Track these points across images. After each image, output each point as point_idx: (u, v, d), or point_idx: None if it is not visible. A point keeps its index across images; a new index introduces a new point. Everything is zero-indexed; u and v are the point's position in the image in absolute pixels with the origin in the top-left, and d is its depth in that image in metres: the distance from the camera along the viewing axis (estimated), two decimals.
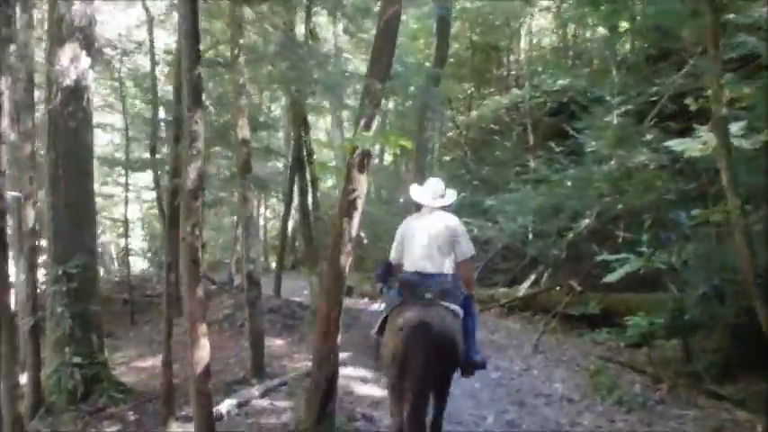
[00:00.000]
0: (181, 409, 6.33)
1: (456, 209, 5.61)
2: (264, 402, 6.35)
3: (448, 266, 4.60)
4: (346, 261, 5.38)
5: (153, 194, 16.39)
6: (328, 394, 5.34)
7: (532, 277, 12.44)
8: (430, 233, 4.63)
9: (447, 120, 17.76)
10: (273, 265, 27.93)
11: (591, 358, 7.98)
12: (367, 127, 5.42)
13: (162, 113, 14.65)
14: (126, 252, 16.60)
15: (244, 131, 7.14)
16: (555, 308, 10.33)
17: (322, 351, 5.36)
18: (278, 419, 5.87)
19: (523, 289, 12.10)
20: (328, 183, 23.57)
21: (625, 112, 11.80)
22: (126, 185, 15.86)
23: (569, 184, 11.51)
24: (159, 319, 12.36)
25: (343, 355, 7.62)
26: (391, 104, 21.90)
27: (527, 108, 16.61)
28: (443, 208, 4.90)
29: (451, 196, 5.02)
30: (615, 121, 11.71)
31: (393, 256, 4.93)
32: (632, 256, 7.00)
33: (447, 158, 19.40)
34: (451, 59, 18.03)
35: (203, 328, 4.65)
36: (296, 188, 11.70)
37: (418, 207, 5.07)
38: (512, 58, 20.24)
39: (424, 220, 4.82)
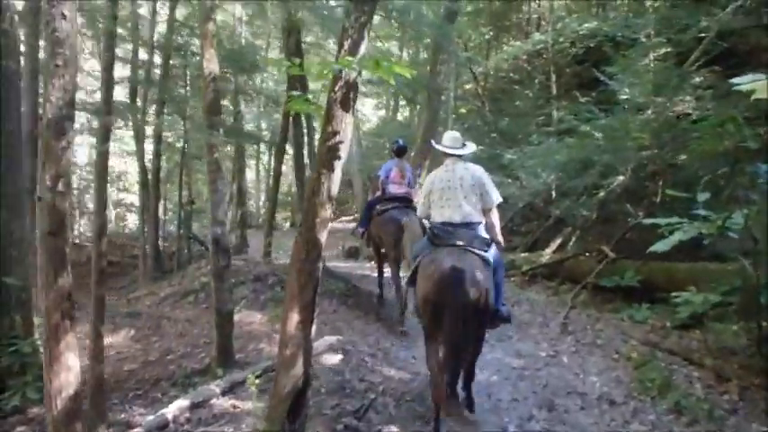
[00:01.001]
0: (123, 406, 5.07)
1: (472, 162, 5.21)
2: (226, 403, 5.04)
3: (476, 215, 4.71)
4: (323, 226, 4.05)
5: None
6: (298, 403, 4.04)
7: (558, 241, 11.06)
8: (457, 184, 4.74)
9: (463, 66, 16.11)
10: (286, 224, 26.93)
11: (632, 343, 6.62)
12: (353, 50, 4.03)
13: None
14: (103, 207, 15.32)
15: (212, 65, 5.73)
16: (585, 277, 8.97)
17: (290, 344, 4.04)
18: (237, 430, 4.56)
19: (547, 254, 10.71)
20: None
21: (664, 55, 10.35)
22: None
23: (600, 135, 10.04)
24: (135, 285, 11.38)
25: (331, 339, 6.35)
26: (396, 48, 20.40)
27: (550, 54, 14.99)
28: (466, 158, 5.01)
29: (471, 146, 5.09)
30: (652, 65, 10.29)
31: (421, 209, 5.08)
32: (686, 221, 5.58)
33: (463, 110, 17.88)
34: (468, 7, 16.53)
35: (70, 338, 3.24)
36: (290, 137, 10.35)
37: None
38: (533, 3, 18.49)
39: (449, 171, 4.87)
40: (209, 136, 5.60)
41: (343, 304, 8.10)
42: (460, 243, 4.47)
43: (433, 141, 5.43)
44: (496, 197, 4.84)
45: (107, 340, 6.57)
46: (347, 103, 4.00)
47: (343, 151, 4.03)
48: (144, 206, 12.58)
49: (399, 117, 25.45)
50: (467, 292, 4.14)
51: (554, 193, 11.86)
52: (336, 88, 3.99)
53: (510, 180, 12.08)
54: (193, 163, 15.50)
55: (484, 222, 4.76)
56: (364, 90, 22.58)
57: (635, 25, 11.12)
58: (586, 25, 13.50)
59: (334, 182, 4.00)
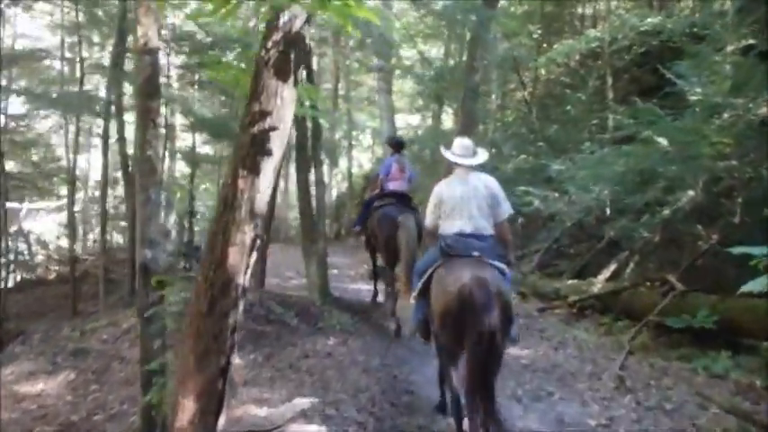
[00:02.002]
0: None
1: (512, 176, 5.93)
2: None
3: (489, 228, 4.59)
4: (241, 260, 2.62)
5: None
6: None
7: (612, 267, 9.38)
8: (469, 194, 4.59)
9: (507, 67, 14.55)
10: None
11: (713, 410, 4.99)
12: None
13: None
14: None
15: (149, 33, 4.38)
16: (646, 314, 7.32)
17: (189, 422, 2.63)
18: None
19: (600, 283, 9.06)
20: None
21: (744, 49, 8.69)
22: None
23: (666, 142, 8.39)
24: (113, 310, 9.98)
25: (303, 403, 4.90)
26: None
27: (606, 55, 13.30)
28: (476, 168, 4.81)
29: (483, 155, 4.88)
30: (729, 60, 8.65)
31: (429, 221, 4.86)
32: None
33: (509, 118, 16.29)
34: (518, 10, 15.07)
35: None
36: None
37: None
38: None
39: (460, 181, 4.71)
40: (144, 127, 4.22)
41: (342, 345, 6.66)
42: (476, 254, 4.31)
43: (442, 148, 5.06)
44: (508, 208, 4.74)
45: (39, 386, 5.28)
46: (285, 69, 2.58)
47: (278, 143, 2.60)
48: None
49: (445, 125, 23.98)
50: (493, 304, 3.91)
51: (608, 210, 10.18)
52: (269, 45, 2.59)
53: (557, 194, 10.48)
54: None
55: (495, 235, 4.62)
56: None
57: (706, 18, 9.53)
58: (649, 20, 11.82)
59: (261, 191, 2.57)
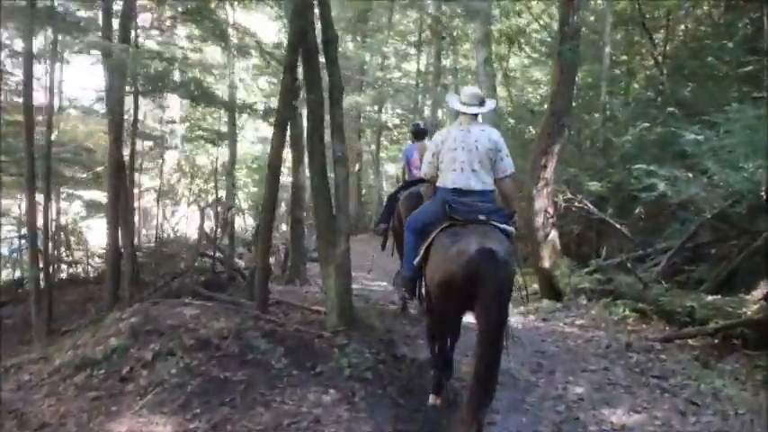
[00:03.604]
0: None
1: (631, 150, 5.48)
2: None
3: (489, 183, 4.46)
4: None
5: None
6: None
7: None
8: (472, 146, 4.40)
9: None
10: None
11: None
12: None
13: None
14: None
15: None
16: None
17: None
18: None
19: (754, 301, 6.28)
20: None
21: None
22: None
23: None
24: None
25: None
26: None
27: None
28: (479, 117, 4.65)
29: (490, 104, 4.82)
30: None
31: (426, 169, 4.69)
32: None
33: (635, 84, 13.17)
34: None
35: None
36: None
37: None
38: None
39: (463, 131, 4.48)
40: None
41: (344, 402, 4.34)
42: (482, 217, 4.16)
43: (448, 97, 4.92)
44: (510, 165, 4.53)
45: None
46: None
47: None
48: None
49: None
50: (501, 277, 3.80)
51: (766, 196, 7.26)
52: None
53: (691, 174, 7.67)
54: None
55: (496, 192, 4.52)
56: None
57: None
58: None
59: None
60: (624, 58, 13.17)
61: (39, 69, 11.73)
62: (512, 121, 13.59)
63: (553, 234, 8.71)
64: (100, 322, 6.02)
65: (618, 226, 8.84)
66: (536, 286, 9.21)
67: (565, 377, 5.40)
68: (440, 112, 26.01)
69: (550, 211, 8.66)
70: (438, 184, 4.50)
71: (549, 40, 13.51)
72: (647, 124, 9.17)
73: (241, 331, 5.14)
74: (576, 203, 9.17)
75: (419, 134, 7.61)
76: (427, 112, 25.14)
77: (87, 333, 5.61)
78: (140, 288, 8.51)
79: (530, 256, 9.22)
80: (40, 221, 9.98)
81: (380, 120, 24.91)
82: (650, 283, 7.81)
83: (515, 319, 7.66)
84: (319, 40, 6.32)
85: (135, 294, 8.16)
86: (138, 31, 10.86)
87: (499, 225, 4.15)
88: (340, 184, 5.89)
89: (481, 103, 4.55)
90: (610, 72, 10.67)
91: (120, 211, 8.59)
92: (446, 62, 24.12)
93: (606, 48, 10.25)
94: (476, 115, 4.54)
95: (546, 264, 8.62)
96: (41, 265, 9.84)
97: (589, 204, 9.12)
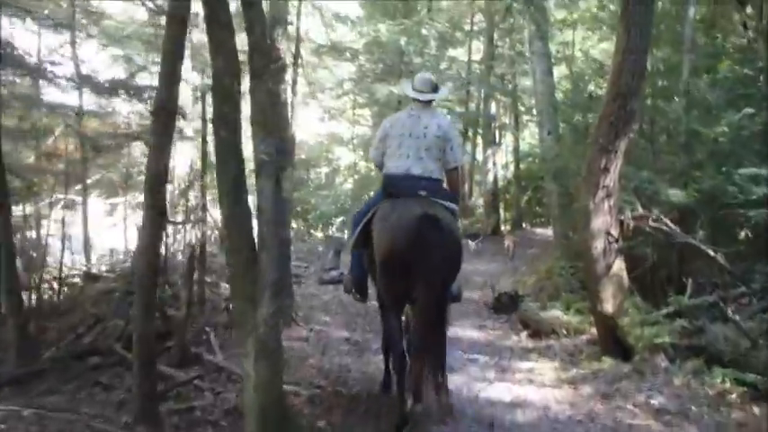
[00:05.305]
0: None
1: (727, 146, 4.81)
2: None
3: (437, 171, 4.37)
4: None
5: None
6: None
7: None
8: (420, 133, 4.35)
9: None
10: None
11: None
12: None
13: None
14: None
15: None
16: None
17: None
18: None
19: None
20: None
21: None
22: None
23: None
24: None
25: None
26: None
27: None
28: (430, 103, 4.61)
29: (444, 91, 4.88)
30: None
31: (373, 154, 4.66)
32: None
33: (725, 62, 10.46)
34: None
35: None
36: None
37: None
38: None
39: (413, 117, 4.44)
40: None
41: None
42: (423, 193, 4.11)
43: (403, 84, 5.11)
44: (460, 156, 4.53)
45: None
46: None
47: None
48: None
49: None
50: (446, 245, 3.71)
51: None
52: None
53: None
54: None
55: (445, 182, 4.42)
56: None
57: None
58: None
59: None
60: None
61: None
62: (567, 109, 11.06)
63: (618, 265, 6.20)
64: None
65: (711, 252, 6.27)
66: (588, 335, 6.89)
67: None
68: (493, 106, 23.70)
69: (614, 232, 6.13)
70: (385, 171, 4.43)
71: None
72: (749, 110, 6.63)
73: None
74: (651, 221, 6.59)
75: None
76: (478, 103, 22.90)
77: None
78: (34, 348, 6.42)
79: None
80: None
81: None
82: (761, 338, 5.41)
83: (557, 393, 5.36)
84: None
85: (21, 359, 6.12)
86: None
87: (442, 202, 4.10)
88: (267, 204, 3.64)
89: (434, 89, 4.55)
90: (693, 43, 8.09)
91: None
92: (502, 49, 21.67)
93: (690, 8, 7.70)
94: (429, 102, 4.50)
95: (608, 307, 6.10)
96: None
97: (669, 222, 6.54)
